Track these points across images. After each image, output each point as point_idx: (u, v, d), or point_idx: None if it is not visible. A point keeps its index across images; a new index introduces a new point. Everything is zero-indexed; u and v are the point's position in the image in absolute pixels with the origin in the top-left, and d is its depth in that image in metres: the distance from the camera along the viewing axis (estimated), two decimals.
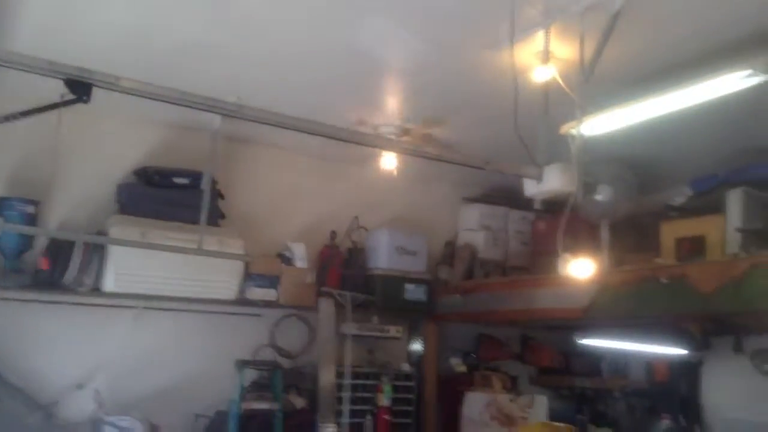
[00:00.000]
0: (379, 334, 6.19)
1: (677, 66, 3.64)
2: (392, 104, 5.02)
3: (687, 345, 5.68)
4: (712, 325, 4.65)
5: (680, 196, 5.27)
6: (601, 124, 3.77)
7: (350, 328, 5.97)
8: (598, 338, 6.00)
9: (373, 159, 6.06)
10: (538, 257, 6.62)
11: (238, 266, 5.37)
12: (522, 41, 3.78)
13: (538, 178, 3.50)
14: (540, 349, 6.52)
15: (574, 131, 3.78)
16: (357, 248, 6.30)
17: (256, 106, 2.99)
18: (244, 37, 4.00)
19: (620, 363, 7.09)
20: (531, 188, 3.68)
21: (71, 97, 2.57)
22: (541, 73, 3.74)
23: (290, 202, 6.11)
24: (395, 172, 5.53)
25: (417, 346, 6.53)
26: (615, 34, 3.41)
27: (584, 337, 5.82)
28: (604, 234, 5.67)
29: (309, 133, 3.08)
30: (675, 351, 6.21)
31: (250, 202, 5.90)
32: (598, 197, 5.78)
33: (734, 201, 4.63)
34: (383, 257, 6.22)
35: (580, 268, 3.53)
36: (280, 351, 5.85)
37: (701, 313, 4.12)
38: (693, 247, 4.76)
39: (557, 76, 3.74)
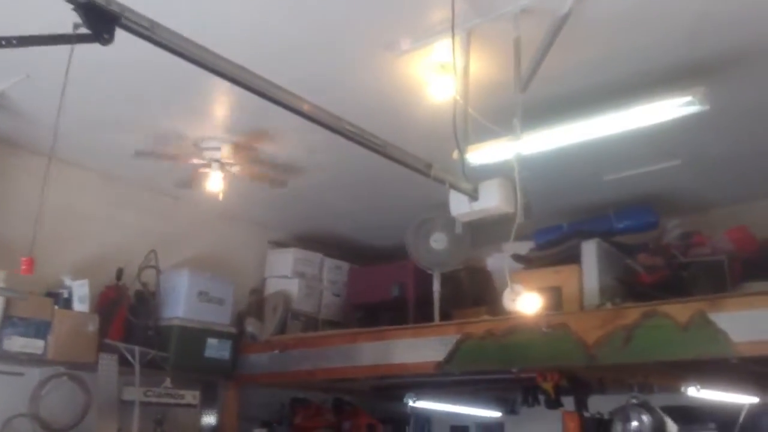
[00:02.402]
0: (172, 401, 4.95)
1: (605, 90, 3.41)
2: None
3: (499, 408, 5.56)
4: (568, 382, 4.46)
5: (522, 247, 5.07)
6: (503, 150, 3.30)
7: (137, 394, 4.67)
8: (427, 401, 5.48)
9: (174, 183, 5.02)
10: (353, 310, 6.00)
11: None
12: (428, 46, 3.30)
13: (473, 195, 2.93)
14: (357, 414, 5.77)
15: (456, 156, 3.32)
16: (147, 291, 5.05)
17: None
18: None
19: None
20: (460, 207, 3.07)
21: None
22: (441, 87, 3.26)
23: (67, 226, 4.72)
24: (221, 196, 4.53)
25: (212, 416, 5.36)
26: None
27: (416, 399, 5.24)
28: (437, 284, 5.28)
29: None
30: (488, 413, 5.98)
31: (13, 221, 4.39)
32: (433, 245, 5.43)
33: (589, 252, 4.52)
34: (181, 304, 5.08)
35: (529, 303, 2.98)
36: (42, 423, 4.29)
37: (585, 365, 3.83)
38: (548, 298, 4.52)
39: (457, 94, 3.24)
